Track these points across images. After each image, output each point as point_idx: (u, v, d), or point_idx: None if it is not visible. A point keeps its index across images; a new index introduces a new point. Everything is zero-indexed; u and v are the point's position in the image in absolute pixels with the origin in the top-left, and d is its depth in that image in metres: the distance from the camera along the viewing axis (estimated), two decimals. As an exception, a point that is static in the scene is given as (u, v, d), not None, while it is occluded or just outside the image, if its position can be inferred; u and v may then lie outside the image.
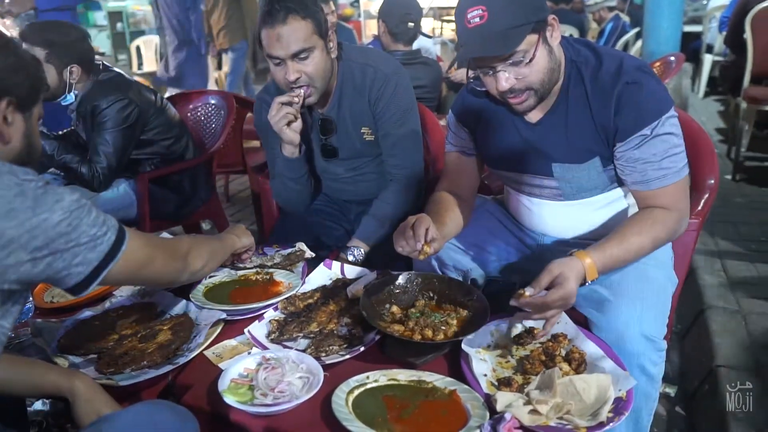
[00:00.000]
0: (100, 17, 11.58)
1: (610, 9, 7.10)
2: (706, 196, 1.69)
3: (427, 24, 8.69)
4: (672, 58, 3.80)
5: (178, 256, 1.22)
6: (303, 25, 1.70)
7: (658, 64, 3.89)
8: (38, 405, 1.91)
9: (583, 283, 1.30)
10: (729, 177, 4.05)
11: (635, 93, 1.36)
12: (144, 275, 1.14)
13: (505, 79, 1.36)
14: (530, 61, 1.34)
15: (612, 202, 1.55)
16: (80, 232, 0.96)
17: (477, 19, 1.31)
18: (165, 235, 1.94)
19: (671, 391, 2.14)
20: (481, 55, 1.36)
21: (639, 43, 5.70)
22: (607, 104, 1.39)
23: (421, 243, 1.33)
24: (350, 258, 1.81)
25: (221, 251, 1.45)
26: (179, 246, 1.24)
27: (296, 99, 1.77)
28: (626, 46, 6.48)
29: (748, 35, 4.03)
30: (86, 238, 0.97)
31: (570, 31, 6.52)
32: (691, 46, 6.79)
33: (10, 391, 1.16)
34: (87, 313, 1.52)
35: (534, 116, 1.50)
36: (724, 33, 5.09)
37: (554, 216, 1.59)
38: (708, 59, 6.30)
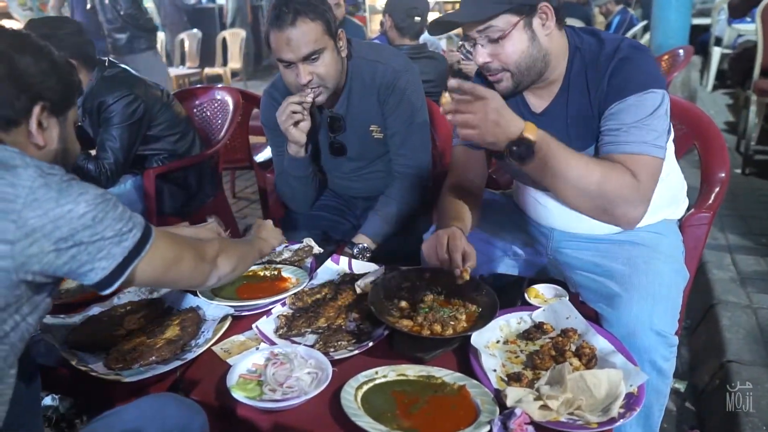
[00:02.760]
0: (105, 14, 11.56)
1: (617, 2, 7.05)
2: (717, 189, 1.67)
3: (433, 18, 8.66)
4: (680, 51, 3.77)
5: (207, 258, 1.20)
6: (313, 27, 1.68)
7: (666, 57, 3.87)
8: (48, 401, 1.92)
9: (514, 141, 1.26)
10: (738, 171, 4.02)
11: (624, 66, 1.37)
12: (171, 276, 1.12)
13: (480, 53, 1.40)
14: (501, 39, 1.36)
15: None
16: (105, 226, 0.95)
17: None
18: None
19: (681, 386, 2.13)
20: (452, 19, 1.40)
21: (647, 36, 5.67)
22: (602, 84, 1.39)
23: (459, 270, 1.34)
24: (354, 252, 1.81)
25: (251, 256, 1.42)
26: (208, 248, 1.22)
27: (308, 99, 1.75)
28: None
29: (758, 27, 3.99)
30: (111, 233, 0.96)
31: (576, 24, 6.48)
32: (700, 39, 6.74)
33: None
34: (95, 309, 1.52)
35: (539, 105, 1.50)
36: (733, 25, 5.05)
37: (563, 209, 1.58)
38: (717, 52, 6.24)
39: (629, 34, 6.41)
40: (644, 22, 6.43)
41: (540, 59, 1.40)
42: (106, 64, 2.42)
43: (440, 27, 1.47)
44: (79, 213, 0.92)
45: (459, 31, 1.54)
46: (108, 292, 1.00)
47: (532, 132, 1.27)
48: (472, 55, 1.46)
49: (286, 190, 2.06)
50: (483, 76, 1.55)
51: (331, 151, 1.99)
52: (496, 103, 1.24)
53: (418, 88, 1.93)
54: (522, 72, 1.40)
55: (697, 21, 6.56)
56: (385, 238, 1.88)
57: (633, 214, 1.34)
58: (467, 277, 1.35)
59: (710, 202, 1.66)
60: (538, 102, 1.50)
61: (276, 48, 1.70)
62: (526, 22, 1.36)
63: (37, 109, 1.03)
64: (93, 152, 2.41)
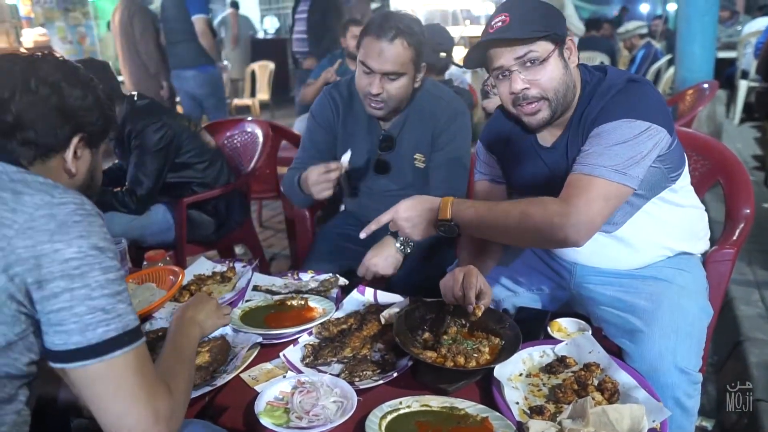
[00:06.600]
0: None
1: (641, 36, 7.09)
2: (741, 226, 1.67)
3: (459, 53, 8.77)
4: (705, 86, 3.78)
5: (160, 415, 0.91)
6: (406, 51, 1.81)
7: (690, 92, 3.87)
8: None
9: (436, 221, 1.43)
10: (766, 205, 3.96)
11: (614, 96, 1.40)
12: (106, 405, 0.89)
13: (517, 80, 1.42)
14: (542, 62, 1.39)
15: (641, 232, 1.53)
16: (84, 284, 0.85)
17: (499, 23, 1.39)
18: (202, 259, 2.00)
19: (708, 424, 2.09)
20: (498, 36, 1.38)
21: (671, 70, 5.67)
22: (593, 115, 1.42)
23: (472, 306, 1.38)
24: (397, 243, 1.87)
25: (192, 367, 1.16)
26: (163, 407, 0.92)
27: (334, 174, 1.83)
28: (658, 74, 6.44)
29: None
30: (82, 307, 0.85)
31: (601, 58, 6.52)
32: (726, 73, 6.73)
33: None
34: (128, 334, 1.56)
35: (549, 140, 1.53)
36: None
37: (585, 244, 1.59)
38: (743, 85, 6.22)
39: (653, 67, 6.42)
40: (669, 56, 6.44)
41: (571, 88, 1.45)
42: (136, 97, 2.55)
43: (478, 54, 1.47)
44: (64, 257, 0.84)
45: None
46: (58, 367, 0.88)
47: (445, 212, 1.42)
48: (495, 90, 1.51)
49: (291, 186, 2.04)
50: (505, 112, 1.59)
51: (376, 167, 2.07)
52: (400, 212, 1.48)
53: (469, 134, 2.05)
54: (559, 99, 1.43)
55: (723, 54, 6.56)
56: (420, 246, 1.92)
57: (561, 235, 1.32)
58: (479, 314, 1.39)
59: (734, 238, 1.65)
60: (548, 136, 1.54)
61: (365, 53, 1.82)
62: (560, 52, 1.42)
63: (75, 140, 1.04)
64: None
